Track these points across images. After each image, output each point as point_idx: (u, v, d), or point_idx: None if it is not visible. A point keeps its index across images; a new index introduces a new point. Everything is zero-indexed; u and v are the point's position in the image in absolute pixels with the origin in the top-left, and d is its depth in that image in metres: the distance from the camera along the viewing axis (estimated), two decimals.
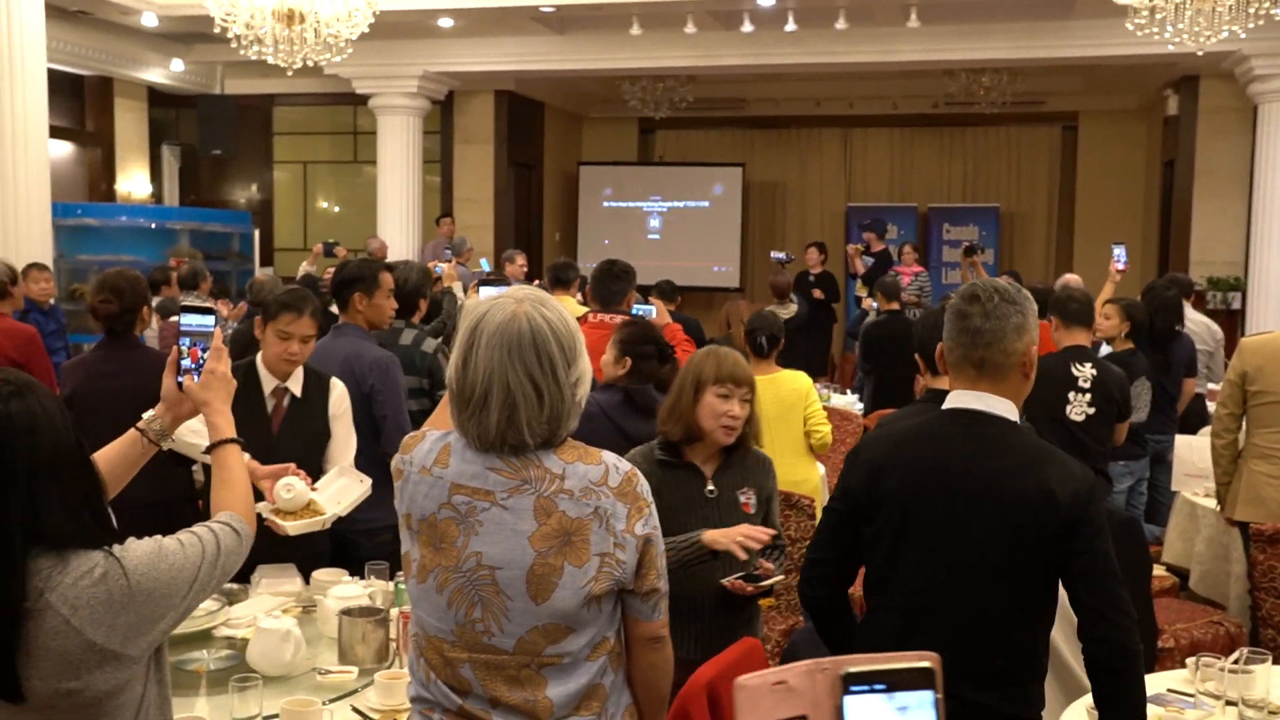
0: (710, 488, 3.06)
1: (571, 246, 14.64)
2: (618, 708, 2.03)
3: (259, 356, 3.51)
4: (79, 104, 11.89)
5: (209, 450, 2.12)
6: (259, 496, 2.70)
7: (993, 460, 2.28)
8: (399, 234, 12.04)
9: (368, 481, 3.24)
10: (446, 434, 2.03)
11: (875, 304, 8.69)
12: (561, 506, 1.93)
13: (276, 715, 2.37)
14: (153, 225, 10.81)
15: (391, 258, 9.74)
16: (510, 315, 1.93)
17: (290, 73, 8.02)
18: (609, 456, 2.01)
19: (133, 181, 12.54)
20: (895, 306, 7.97)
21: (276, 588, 3.16)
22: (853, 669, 1.24)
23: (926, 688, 1.24)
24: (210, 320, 2.21)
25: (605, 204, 15.04)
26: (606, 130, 15.72)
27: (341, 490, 3.19)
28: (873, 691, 1.24)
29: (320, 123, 14.04)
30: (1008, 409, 2.33)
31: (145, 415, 2.16)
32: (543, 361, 1.92)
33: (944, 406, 2.39)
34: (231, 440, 2.11)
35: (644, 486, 2.02)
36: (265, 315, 3.47)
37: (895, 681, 1.24)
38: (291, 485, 3.00)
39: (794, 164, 15.33)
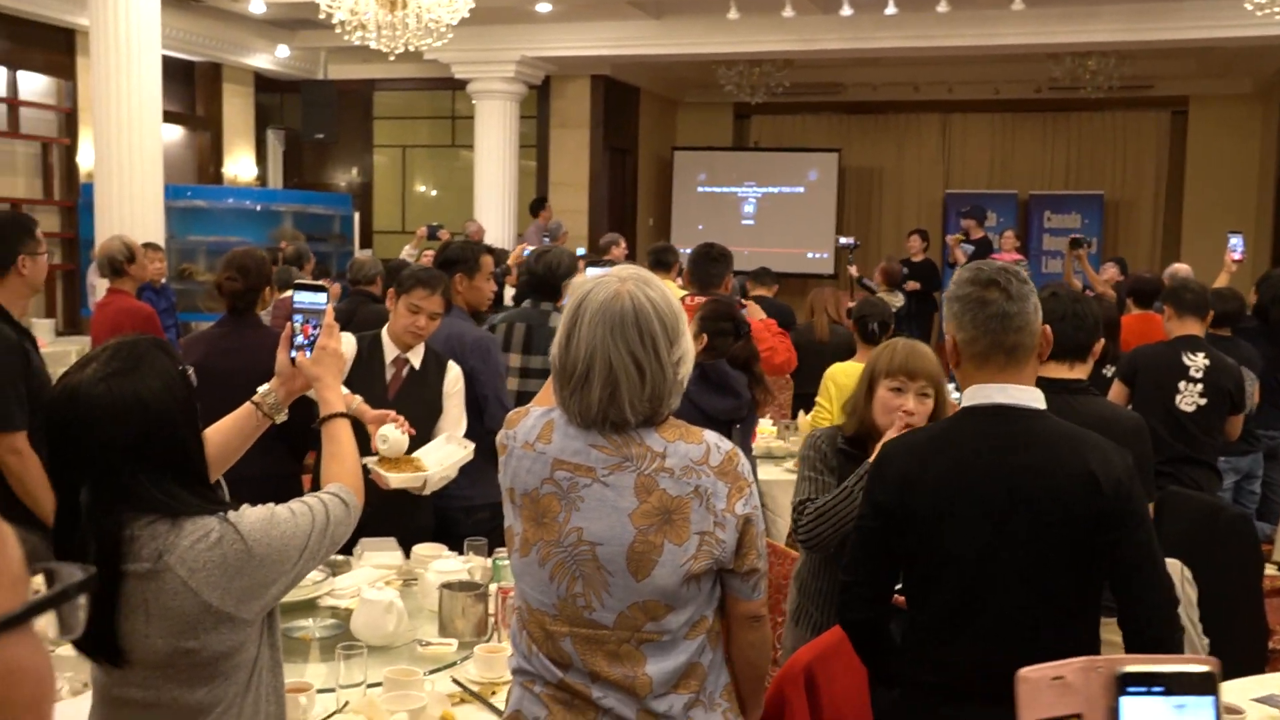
0: None
1: (665, 232, 14.64)
2: (716, 686, 2.03)
3: (385, 328, 3.64)
4: (190, 89, 12.23)
5: (320, 423, 2.17)
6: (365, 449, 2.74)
7: (1025, 456, 2.16)
8: (495, 218, 12.17)
9: (470, 446, 3.31)
10: (550, 410, 2.06)
11: None
12: (662, 484, 1.94)
13: (380, 683, 2.42)
14: (258, 207, 11.08)
15: (488, 242, 9.85)
16: (614, 294, 1.95)
17: (392, 58, 8.16)
18: (710, 435, 2.02)
19: (239, 165, 12.87)
20: None
21: (379, 561, 3.23)
22: (1129, 669, 1.23)
23: (1207, 693, 1.22)
24: (322, 298, 2.26)
25: (699, 189, 15.01)
26: (701, 115, 15.68)
27: (446, 455, 3.27)
28: (1150, 694, 1.22)
29: (419, 107, 14.25)
30: (1034, 397, 2.20)
31: (260, 389, 2.23)
32: (645, 339, 1.93)
33: (964, 404, 2.25)
34: (341, 415, 2.17)
35: (745, 466, 2.02)
36: (399, 288, 3.59)
37: (1174, 685, 1.23)
38: (387, 436, 3.08)
39: (891, 150, 15.12)
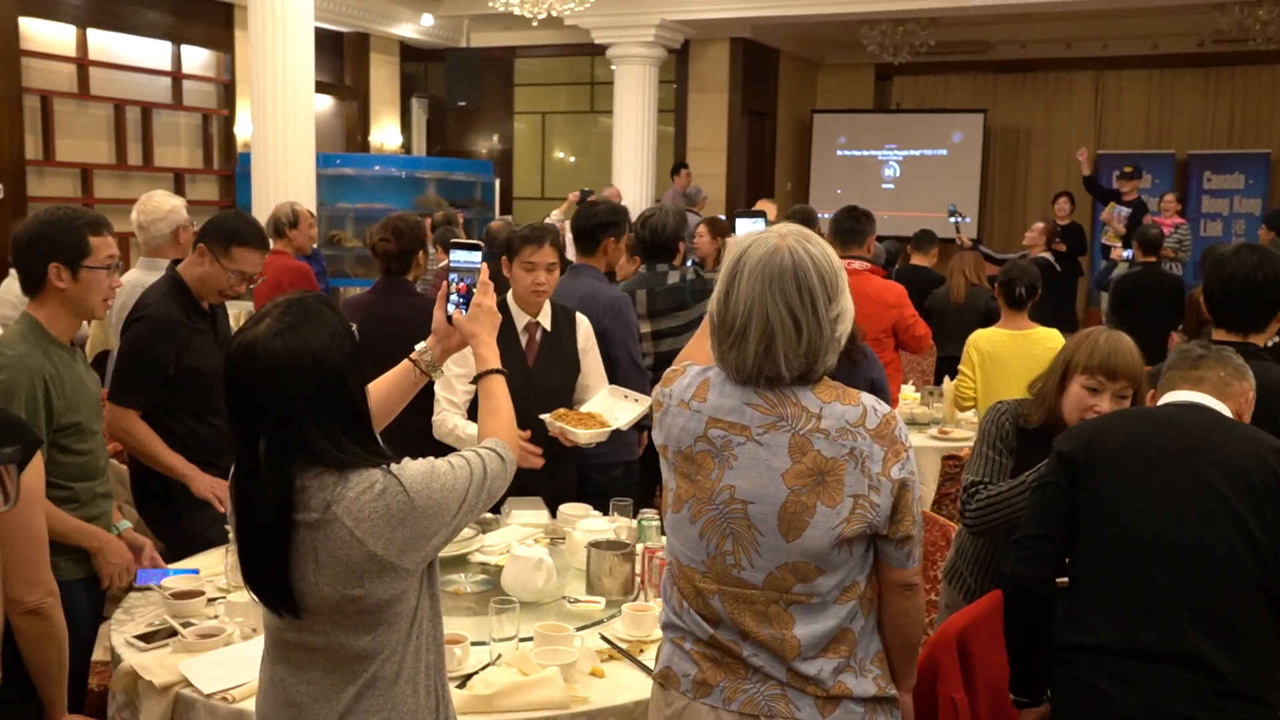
0: None
1: (803, 196, 14.45)
2: (867, 653, 2.01)
3: (509, 295, 3.63)
4: (339, 60, 12.57)
5: (476, 380, 2.21)
6: (527, 419, 2.77)
7: (1219, 424, 2.20)
8: (633, 183, 12.20)
9: (645, 400, 3.31)
10: (706, 369, 2.06)
11: (1129, 254, 8.20)
12: (817, 445, 1.92)
13: (530, 638, 2.46)
14: (403, 174, 11.33)
15: (627, 206, 9.88)
16: (773, 249, 1.93)
17: (534, 23, 8.22)
18: (867, 398, 1.99)
19: (385, 133, 13.19)
20: (1152, 259, 7.51)
21: (526, 519, 3.29)
22: None
23: None
24: (478, 256, 2.29)
25: (839, 152, 14.76)
26: (842, 77, 15.39)
27: (622, 410, 3.29)
28: None
29: (559, 73, 14.35)
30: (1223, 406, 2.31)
31: (417, 347, 2.27)
32: (803, 295, 1.91)
33: (1161, 402, 2.36)
34: (497, 370, 2.20)
35: (902, 430, 1.98)
36: (509, 253, 3.58)
37: None
38: None
39: (1040, 109, 14.59)
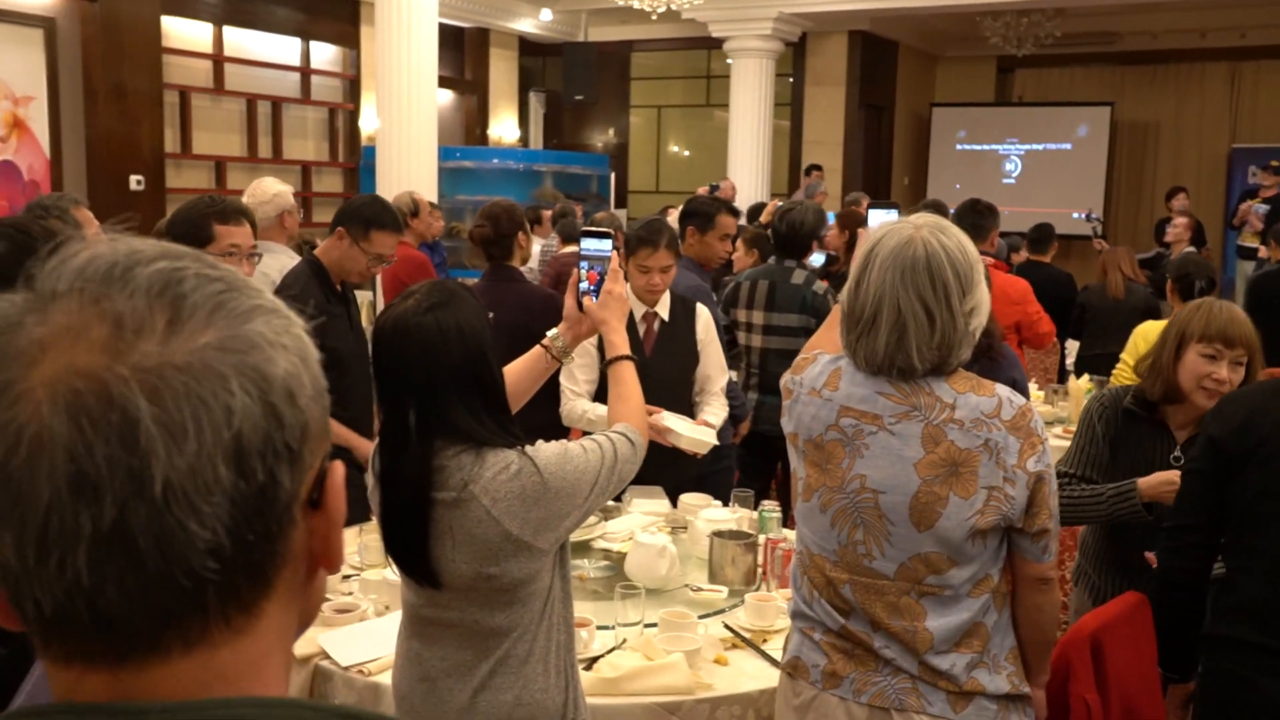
0: (1178, 454, 2.74)
1: (920, 190, 14.23)
2: (1001, 649, 1.98)
3: (628, 285, 3.65)
4: (460, 54, 12.79)
5: (606, 366, 2.24)
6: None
7: None
8: (748, 177, 12.15)
9: (713, 436, 3.34)
10: (838, 357, 2.05)
11: (1266, 253, 7.89)
12: (950, 436, 1.90)
13: (655, 624, 2.48)
14: (520, 167, 11.49)
15: (739, 201, 9.86)
16: (907, 239, 1.92)
17: (654, 17, 8.24)
18: (1002, 390, 1.96)
19: (503, 126, 13.38)
20: None
21: (648, 508, 3.31)
22: None
23: None
24: (608, 245, 2.32)
25: (958, 147, 14.49)
26: (962, 70, 15.10)
27: (694, 428, 3.32)
28: None
29: (675, 67, 14.36)
30: None
31: (549, 333, 2.31)
32: (936, 286, 1.89)
33: None
34: (627, 357, 2.22)
35: (1039, 422, 1.95)
36: (626, 250, 3.60)
37: None
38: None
39: (1170, 102, 14.12)
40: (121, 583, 0.57)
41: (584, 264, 2.31)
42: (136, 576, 0.57)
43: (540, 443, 1.95)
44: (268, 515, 0.60)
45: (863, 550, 1.97)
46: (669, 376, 3.55)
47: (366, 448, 3.38)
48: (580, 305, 2.29)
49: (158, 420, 0.55)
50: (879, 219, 2.59)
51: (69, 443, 0.55)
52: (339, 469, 0.66)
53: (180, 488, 0.56)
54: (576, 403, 3.55)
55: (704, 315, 3.70)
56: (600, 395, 3.56)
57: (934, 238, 1.92)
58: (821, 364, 2.06)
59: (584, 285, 2.30)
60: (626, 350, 2.23)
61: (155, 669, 0.59)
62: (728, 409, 3.67)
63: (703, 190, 9.89)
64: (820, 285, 4.46)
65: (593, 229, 2.37)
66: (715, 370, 3.66)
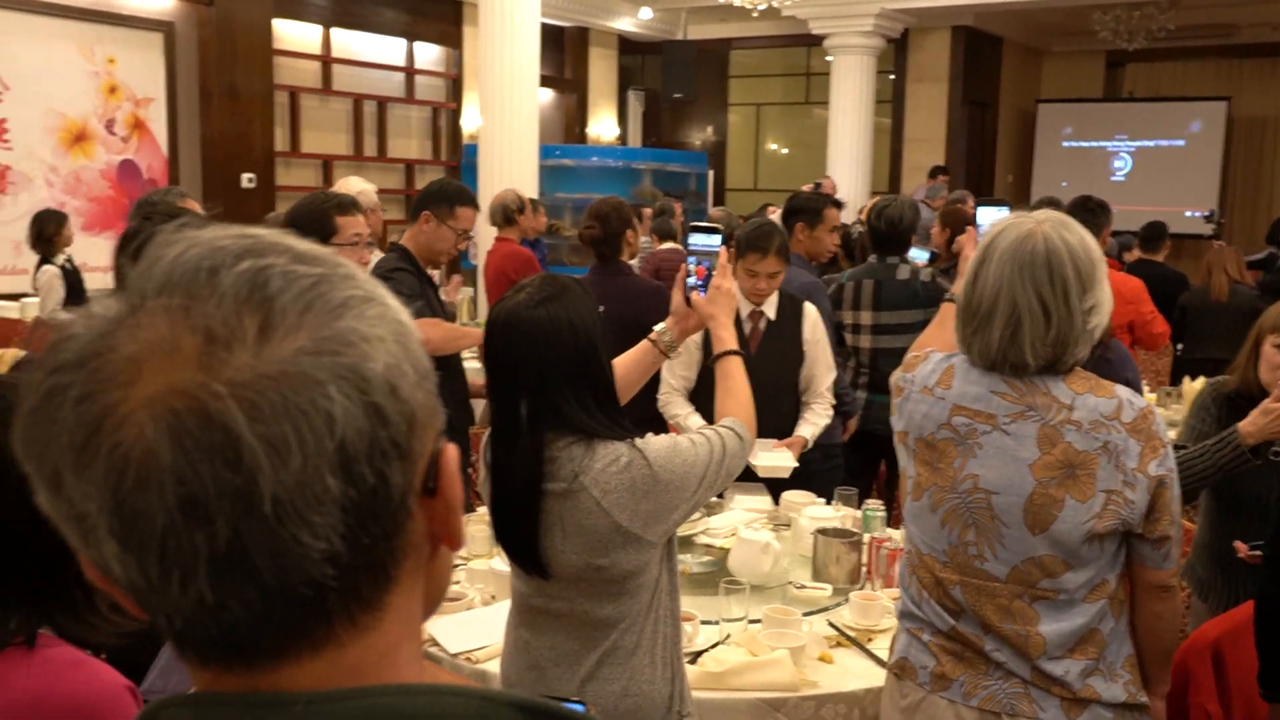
0: (1277, 447, 2.66)
1: (1024, 188, 13.94)
2: (1117, 656, 1.94)
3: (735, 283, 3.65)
4: (560, 54, 12.89)
5: (714, 361, 2.24)
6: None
7: None
8: (848, 175, 12.04)
9: (791, 461, 3.33)
10: (951, 355, 2.02)
11: None
12: (1068, 437, 1.86)
13: (759, 620, 2.48)
14: (619, 165, 11.54)
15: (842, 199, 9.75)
16: (1027, 234, 1.88)
17: (755, 14, 8.21)
18: (1123, 391, 1.91)
19: (601, 125, 13.46)
20: None
21: (749, 504, 3.31)
22: None
23: None
24: (717, 240, 2.32)
25: (1064, 144, 14.16)
26: (1069, 65, 14.74)
27: (773, 454, 3.30)
28: None
29: (774, 65, 14.29)
30: None
31: (656, 327, 2.32)
32: (1055, 282, 1.86)
33: None
34: (735, 352, 2.22)
35: (1161, 425, 1.90)
36: (736, 252, 3.59)
37: None
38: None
39: None
40: (244, 599, 0.57)
41: (692, 259, 2.32)
42: (258, 592, 0.57)
43: (650, 435, 1.96)
44: (382, 516, 0.60)
45: (974, 551, 1.94)
46: (773, 376, 3.53)
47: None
48: (688, 300, 2.29)
49: (260, 436, 0.54)
50: (990, 217, 2.55)
51: (174, 466, 0.54)
52: (451, 452, 0.64)
53: (290, 503, 0.55)
54: (673, 403, 3.55)
55: (811, 315, 3.67)
56: (698, 391, 3.56)
57: (1055, 233, 1.89)
58: (934, 362, 2.04)
59: (692, 280, 2.31)
60: (734, 345, 2.23)
61: (286, 670, 0.60)
62: (831, 414, 3.64)
63: (806, 189, 9.81)
64: (927, 272, 4.40)
65: (702, 224, 2.38)
66: (822, 370, 3.63)
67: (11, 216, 8.07)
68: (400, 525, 0.61)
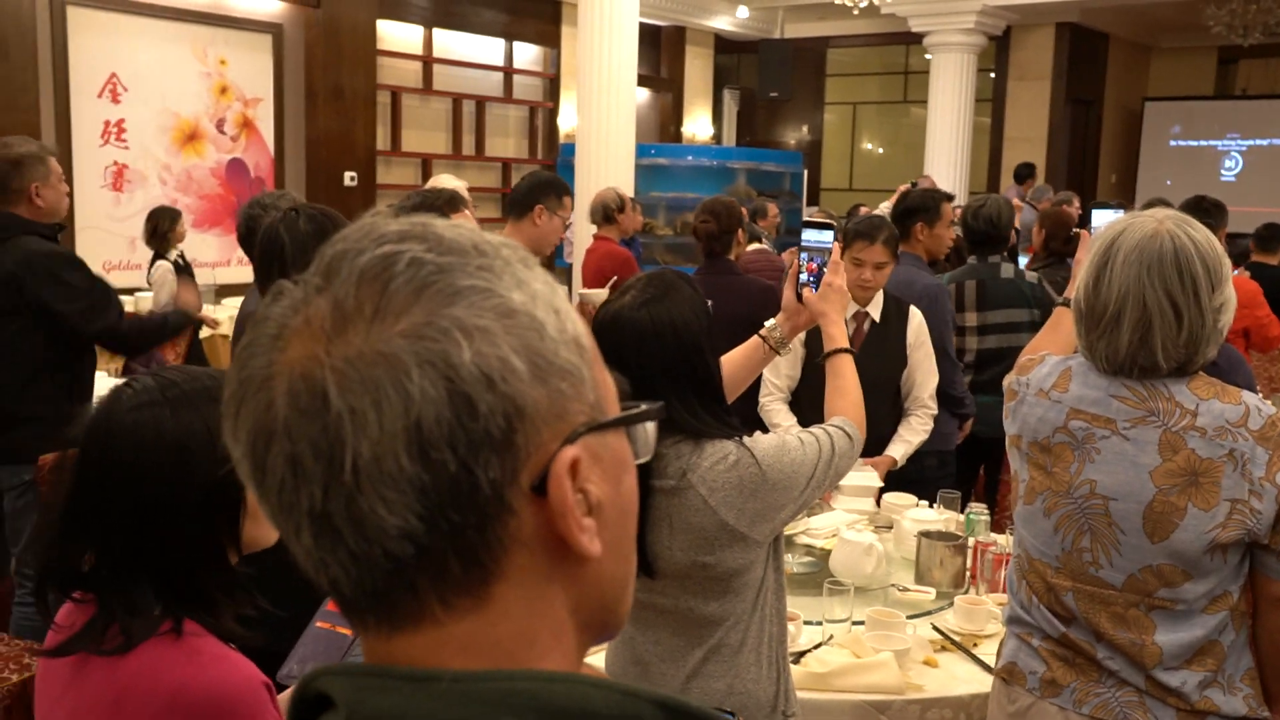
0: None
1: (1129, 188, 13.59)
2: (1236, 670, 1.88)
3: None
4: (656, 53, 12.93)
5: (825, 358, 2.23)
6: None
7: None
8: (946, 175, 11.84)
9: (876, 481, 3.31)
10: (1067, 358, 1.99)
11: None
12: (1191, 444, 1.82)
13: (862, 621, 2.46)
14: (714, 164, 11.52)
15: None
16: (1152, 233, 1.84)
17: (855, 11, 8.13)
18: (1250, 397, 1.86)
19: (696, 124, 13.46)
20: None
21: (850, 505, 3.28)
22: None
23: None
24: (829, 236, 2.31)
25: (1171, 143, 13.76)
26: (1178, 61, 14.33)
27: (858, 472, 3.27)
28: None
29: (871, 63, 14.15)
30: None
31: (767, 324, 2.32)
32: (1184, 281, 1.81)
33: None
34: (845, 350, 2.21)
35: None
36: (844, 243, 3.56)
37: None
38: None
39: None
40: (339, 558, 0.61)
41: (803, 255, 2.31)
42: (345, 553, 0.60)
43: (758, 434, 1.96)
44: (466, 505, 0.60)
45: (1088, 558, 1.90)
46: (874, 380, 3.46)
47: None
48: (799, 296, 2.29)
49: (347, 407, 0.58)
50: (1104, 220, 2.50)
51: (286, 424, 0.59)
52: (564, 456, 0.63)
53: (367, 474, 0.58)
54: (776, 411, 3.53)
55: (916, 318, 3.60)
56: (801, 390, 3.54)
57: (1180, 231, 1.84)
58: (1050, 364, 2.00)
59: (803, 276, 2.30)
60: (845, 343, 2.22)
61: (399, 641, 0.63)
62: (930, 428, 3.56)
63: (903, 188, 9.69)
64: (1032, 275, 4.33)
65: (815, 219, 2.37)
66: (925, 376, 3.56)
67: (128, 213, 8.36)
68: (494, 518, 0.61)
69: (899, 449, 3.49)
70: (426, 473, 0.59)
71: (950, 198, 4.55)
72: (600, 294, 4.27)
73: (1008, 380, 2.08)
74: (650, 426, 0.73)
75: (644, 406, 0.72)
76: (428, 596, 0.62)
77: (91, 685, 1.37)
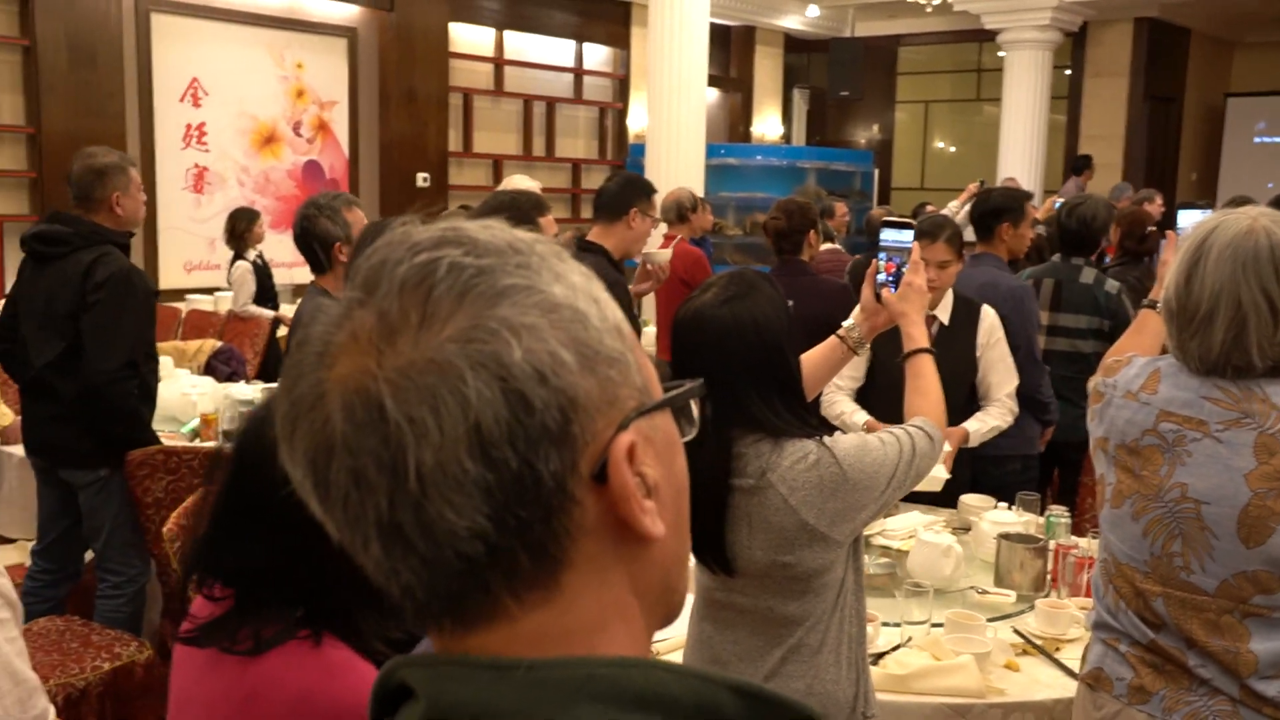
0: None
1: (1210, 186, 13.27)
2: None
3: None
4: (725, 53, 12.89)
5: (905, 358, 2.21)
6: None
7: None
8: (1020, 174, 11.62)
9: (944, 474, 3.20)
10: (1155, 359, 1.95)
11: None
12: None
13: (940, 624, 2.43)
14: (783, 164, 11.46)
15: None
16: (1246, 230, 1.80)
17: (929, 9, 8.04)
18: None
19: (766, 123, 13.40)
20: None
21: (927, 507, 3.25)
22: None
23: None
24: (908, 236, 2.29)
25: (1256, 139, 13.40)
26: (1263, 56, 13.95)
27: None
28: None
29: (943, 62, 13.98)
30: None
31: (844, 324, 2.30)
32: None
33: None
34: (926, 350, 2.19)
35: None
36: None
37: None
38: None
39: None
40: (410, 565, 0.62)
41: (882, 255, 2.30)
42: (416, 560, 0.61)
43: (838, 434, 1.95)
44: (532, 500, 0.61)
45: (1179, 563, 1.86)
46: (944, 381, 3.36)
47: None
48: (878, 296, 2.27)
49: (405, 417, 0.59)
50: (1192, 220, 2.45)
51: (344, 440, 0.60)
52: (621, 442, 0.63)
53: (432, 481, 0.59)
54: (837, 399, 3.49)
55: (988, 320, 3.49)
56: (866, 394, 3.49)
57: (1276, 228, 1.81)
58: (1138, 366, 1.97)
59: (882, 276, 2.28)
60: (925, 343, 2.20)
61: (474, 638, 0.64)
62: (1008, 419, 3.44)
63: (972, 187, 9.53)
64: (1112, 285, 4.22)
65: (895, 219, 2.35)
66: (1001, 377, 3.45)
67: (207, 214, 8.54)
68: (559, 509, 0.62)
69: (974, 424, 3.36)
70: (490, 472, 0.59)
71: (1030, 196, 4.49)
72: (665, 254, 4.26)
73: (1093, 382, 2.05)
74: (695, 404, 0.74)
75: (686, 385, 0.72)
76: (500, 593, 0.63)
77: (226, 677, 1.40)
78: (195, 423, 4.18)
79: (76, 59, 7.48)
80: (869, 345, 2.35)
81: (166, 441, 3.67)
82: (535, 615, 0.63)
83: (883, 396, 3.31)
